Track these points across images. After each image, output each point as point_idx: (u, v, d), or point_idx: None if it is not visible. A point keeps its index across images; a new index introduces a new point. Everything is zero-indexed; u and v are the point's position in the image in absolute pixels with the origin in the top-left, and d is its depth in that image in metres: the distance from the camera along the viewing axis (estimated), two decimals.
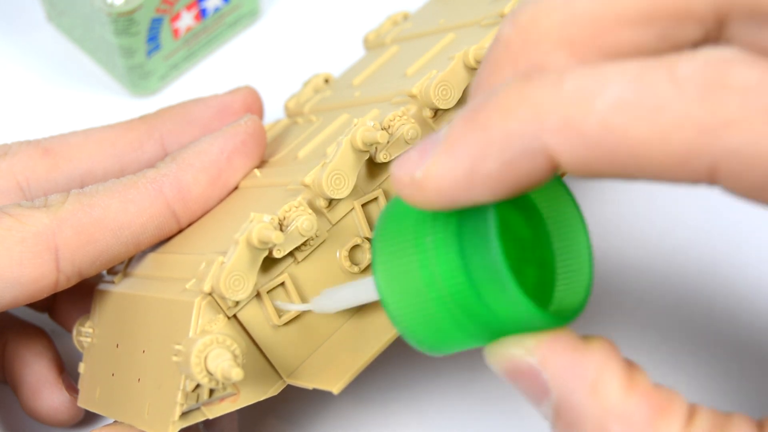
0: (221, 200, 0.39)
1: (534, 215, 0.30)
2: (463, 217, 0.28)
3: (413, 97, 0.37)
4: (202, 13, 0.50)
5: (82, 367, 0.40)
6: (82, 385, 0.40)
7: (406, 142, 0.36)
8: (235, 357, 0.33)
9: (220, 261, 0.34)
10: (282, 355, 0.35)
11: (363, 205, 0.36)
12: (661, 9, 0.27)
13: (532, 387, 0.28)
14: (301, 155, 0.39)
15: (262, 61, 0.52)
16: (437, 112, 0.37)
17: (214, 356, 0.32)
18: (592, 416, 0.27)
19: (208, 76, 0.52)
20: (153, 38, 0.48)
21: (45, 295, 0.37)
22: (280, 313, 0.35)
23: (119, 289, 0.39)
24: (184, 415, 0.34)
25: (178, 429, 0.34)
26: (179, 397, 0.34)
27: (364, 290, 0.33)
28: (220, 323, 0.34)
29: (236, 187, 0.40)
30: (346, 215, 0.36)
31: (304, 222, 0.34)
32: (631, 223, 0.45)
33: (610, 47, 0.27)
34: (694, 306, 0.43)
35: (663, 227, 0.45)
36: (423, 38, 0.43)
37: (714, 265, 0.44)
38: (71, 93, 0.52)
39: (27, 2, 0.54)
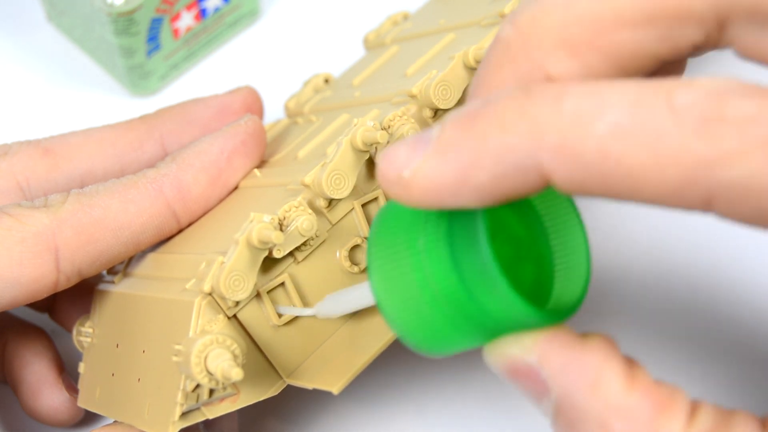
0: (221, 200, 0.39)
1: (530, 212, 0.30)
2: (453, 219, 0.28)
3: (413, 97, 0.37)
4: (202, 13, 0.50)
5: (82, 367, 0.40)
6: (82, 385, 0.40)
7: None
8: (235, 357, 0.33)
9: (220, 261, 0.34)
10: (282, 355, 0.35)
11: (363, 205, 0.36)
12: (662, 10, 0.27)
13: (532, 386, 0.28)
14: (301, 155, 0.39)
15: (262, 61, 0.52)
16: (437, 112, 0.37)
17: (214, 356, 0.32)
18: (593, 413, 0.27)
19: (208, 76, 0.52)
20: (153, 38, 0.48)
21: (45, 295, 0.37)
22: (280, 313, 0.35)
23: (119, 289, 0.39)
24: (184, 415, 0.34)
25: (178, 429, 0.34)
26: (179, 397, 0.33)
27: (368, 295, 0.33)
28: (220, 323, 0.34)
29: (236, 187, 0.40)
30: (346, 215, 0.36)
31: (304, 222, 0.34)
32: (631, 223, 0.45)
33: (610, 48, 0.27)
34: (694, 306, 0.43)
35: (663, 226, 0.45)
36: (423, 38, 0.43)
37: (714, 265, 0.44)
38: (71, 93, 0.52)
39: (27, 2, 0.54)
